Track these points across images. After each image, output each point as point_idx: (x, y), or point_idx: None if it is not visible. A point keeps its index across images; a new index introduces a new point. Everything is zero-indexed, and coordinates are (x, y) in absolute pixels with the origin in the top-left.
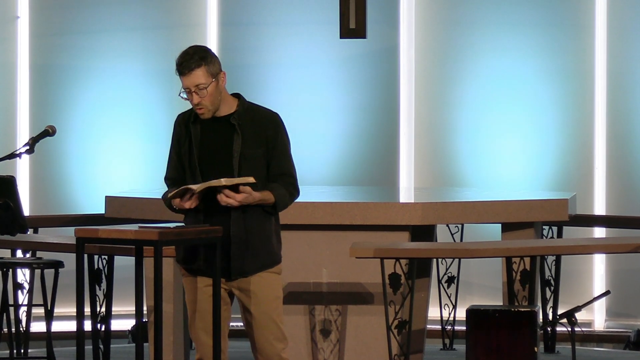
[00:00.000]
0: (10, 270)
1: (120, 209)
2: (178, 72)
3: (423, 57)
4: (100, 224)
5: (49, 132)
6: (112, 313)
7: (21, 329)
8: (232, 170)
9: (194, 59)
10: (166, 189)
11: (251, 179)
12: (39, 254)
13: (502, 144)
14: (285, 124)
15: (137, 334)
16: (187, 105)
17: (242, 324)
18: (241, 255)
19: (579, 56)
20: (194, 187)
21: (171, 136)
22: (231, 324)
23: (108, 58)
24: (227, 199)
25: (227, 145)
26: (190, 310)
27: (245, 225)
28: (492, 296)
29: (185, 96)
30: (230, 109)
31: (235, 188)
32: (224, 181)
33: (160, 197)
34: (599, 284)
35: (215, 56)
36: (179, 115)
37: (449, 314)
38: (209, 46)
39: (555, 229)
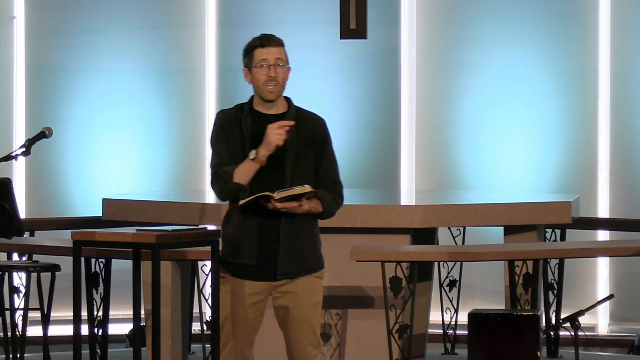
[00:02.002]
0: (6, 273)
1: (117, 211)
2: (259, 45)
3: (424, 57)
4: (98, 226)
5: (45, 133)
6: (110, 317)
7: (17, 333)
8: (285, 168)
9: (277, 38)
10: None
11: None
12: (35, 257)
13: (505, 146)
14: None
15: (135, 338)
16: (185, 107)
17: None
18: (289, 256)
19: (582, 57)
20: (274, 194)
21: (213, 132)
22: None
23: (105, 58)
24: (281, 204)
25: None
26: (223, 314)
27: (295, 227)
28: (494, 300)
29: (255, 72)
30: (282, 108)
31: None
32: (308, 188)
33: (157, 199)
34: (602, 288)
35: None
36: (222, 111)
37: (451, 318)
38: (207, 46)
39: (558, 231)
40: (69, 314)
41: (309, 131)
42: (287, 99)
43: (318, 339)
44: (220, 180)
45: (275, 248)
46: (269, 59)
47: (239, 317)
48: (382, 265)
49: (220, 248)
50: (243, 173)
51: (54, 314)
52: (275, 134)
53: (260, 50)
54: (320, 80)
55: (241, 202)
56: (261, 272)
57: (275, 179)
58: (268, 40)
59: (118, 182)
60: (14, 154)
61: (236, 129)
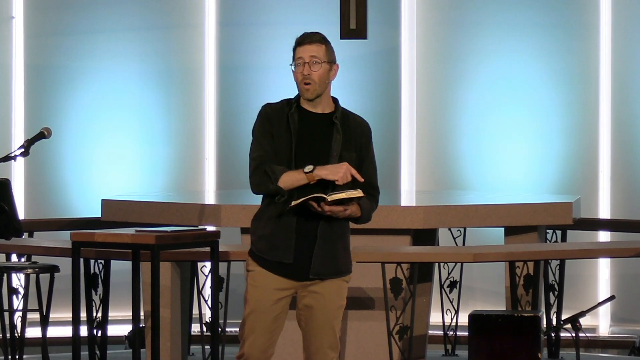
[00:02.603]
0: (5, 275)
1: (116, 212)
2: (298, 43)
3: (425, 58)
4: (97, 227)
5: (44, 134)
6: (109, 318)
7: (16, 334)
8: None
9: (318, 35)
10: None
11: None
12: (34, 258)
13: (505, 146)
14: None
15: (134, 340)
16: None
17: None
18: (323, 258)
19: (583, 58)
20: (327, 196)
21: (257, 124)
22: (233, 328)
23: (104, 59)
24: (329, 207)
25: (326, 142)
26: (249, 307)
27: (332, 229)
28: (494, 301)
29: (294, 69)
30: (329, 107)
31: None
32: (360, 192)
33: (156, 200)
34: (603, 289)
35: (333, 49)
36: (267, 105)
37: (451, 319)
38: (207, 47)
39: (559, 232)
40: (68, 315)
41: (354, 134)
42: (335, 100)
43: (337, 342)
44: (264, 176)
45: (311, 248)
46: (304, 57)
47: (264, 312)
48: (382, 266)
49: (252, 243)
50: (291, 181)
51: (52, 315)
52: (346, 174)
53: (298, 49)
54: None
55: (294, 202)
56: (295, 270)
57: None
58: (305, 38)
59: (117, 182)
60: (12, 154)
61: (283, 124)
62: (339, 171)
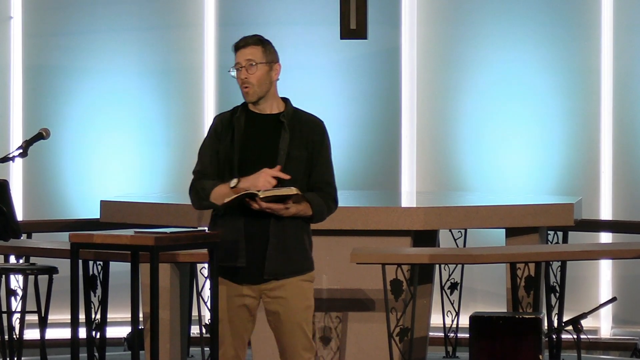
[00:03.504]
0: (3, 276)
1: (115, 213)
2: (234, 47)
3: (425, 58)
4: (96, 229)
5: (42, 135)
6: (108, 320)
7: (14, 336)
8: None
9: (253, 38)
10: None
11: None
12: (32, 259)
13: (507, 147)
14: None
15: (133, 342)
16: (192, 108)
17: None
18: (277, 257)
19: (585, 60)
20: (260, 193)
21: (205, 137)
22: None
23: (103, 59)
24: (267, 204)
25: (272, 142)
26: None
27: (284, 229)
28: (495, 303)
29: (234, 74)
30: (278, 108)
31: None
32: (294, 190)
33: (155, 201)
34: (605, 291)
35: (275, 49)
36: (217, 116)
37: (452, 321)
38: (206, 46)
39: (560, 234)
40: (66, 317)
41: (305, 132)
42: (285, 100)
43: (311, 342)
44: (196, 194)
45: (264, 249)
46: (240, 62)
47: (230, 319)
48: (382, 267)
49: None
50: (220, 197)
51: (51, 317)
52: (266, 180)
53: (236, 54)
54: (320, 80)
55: (227, 199)
56: (249, 273)
57: None
58: (241, 42)
59: (116, 183)
60: (11, 155)
61: (230, 131)
62: (259, 180)
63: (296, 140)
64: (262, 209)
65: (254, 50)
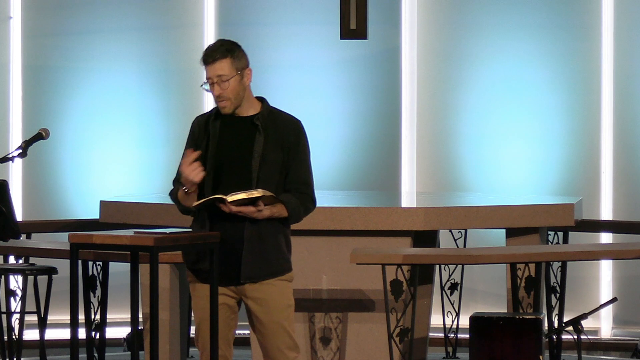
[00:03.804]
0: (3, 276)
1: (115, 214)
2: (202, 61)
3: (425, 58)
4: (95, 229)
5: (42, 135)
6: (107, 321)
7: (14, 337)
8: (251, 171)
9: (220, 50)
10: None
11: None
12: (32, 260)
13: (507, 147)
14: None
15: (133, 342)
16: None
17: (245, 332)
18: (252, 260)
19: (585, 59)
20: (226, 197)
21: (188, 135)
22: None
23: (102, 59)
24: (237, 208)
25: (247, 145)
26: (197, 317)
27: (259, 231)
28: (496, 303)
29: (207, 88)
30: (254, 110)
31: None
32: (261, 192)
33: (155, 201)
34: (605, 291)
35: (244, 52)
36: (198, 116)
37: (452, 321)
38: (205, 46)
39: (561, 234)
40: (66, 317)
41: (281, 133)
42: (261, 100)
43: (294, 342)
44: (173, 200)
45: (239, 253)
46: (212, 77)
47: (207, 319)
48: (382, 268)
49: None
50: (183, 199)
51: (50, 318)
52: (190, 171)
53: (205, 67)
54: (320, 81)
55: (195, 203)
56: (226, 276)
57: (242, 181)
58: (208, 57)
59: (116, 184)
60: (10, 155)
61: (207, 134)
62: (188, 175)
63: (271, 143)
64: (233, 212)
65: (222, 64)
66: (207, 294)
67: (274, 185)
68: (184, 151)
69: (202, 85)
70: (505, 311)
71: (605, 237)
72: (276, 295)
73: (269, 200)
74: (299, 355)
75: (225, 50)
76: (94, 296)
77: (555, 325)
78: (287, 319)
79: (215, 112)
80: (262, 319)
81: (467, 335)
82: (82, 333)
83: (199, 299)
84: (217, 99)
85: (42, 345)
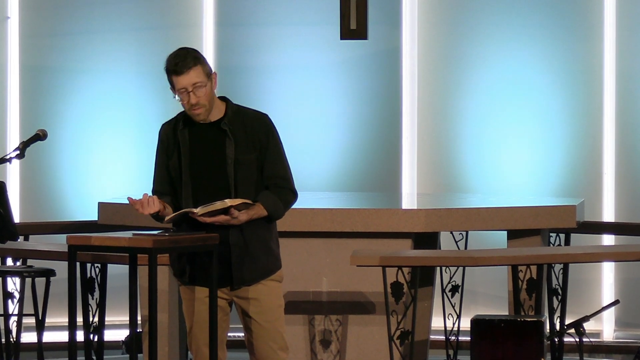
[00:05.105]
0: (0, 278)
1: (113, 215)
2: (173, 72)
3: (426, 58)
4: (93, 231)
5: (40, 136)
6: (105, 323)
7: (11, 339)
8: (228, 177)
9: (188, 58)
10: None
11: (249, 201)
12: (29, 262)
13: (508, 148)
14: (276, 125)
15: (131, 345)
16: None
17: (239, 334)
18: (242, 264)
19: (587, 60)
20: (196, 210)
21: (156, 147)
22: (229, 334)
23: (101, 59)
24: (211, 218)
25: (219, 151)
26: (189, 321)
27: (243, 234)
28: (497, 306)
29: (179, 98)
30: (219, 113)
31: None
32: (228, 202)
33: None
34: (607, 293)
35: (204, 57)
36: (164, 124)
37: (453, 324)
38: (204, 46)
39: (562, 236)
40: (64, 319)
41: (251, 133)
42: (225, 100)
43: (285, 342)
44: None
45: (227, 257)
46: (186, 87)
47: (204, 321)
48: (383, 270)
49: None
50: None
51: (48, 320)
52: (144, 208)
53: (176, 78)
54: (320, 81)
55: (167, 218)
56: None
57: (220, 186)
58: (181, 67)
59: (114, 185)
60: (8, 156)
61: (176, 144)
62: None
63: (242, 145)
64: (209, 223)
65: (197, 72)
66: (195, 297)
67: (253, 186)
68: (155, 160)
69: (174, 96)
70: (507, 313)
71: (608, 239)
72: (267, 296)
73: (242, 206)
74: (288, 356)
75: (194, 58)
76: (92, 298)
77: (557, 327)
78: (278, 319)
79: (183, 119)
80: (254, 320)
81: (468, 338)
82: (80, 336)
83: (188, 303)
84: (192, 107)
85: (40, 348)
